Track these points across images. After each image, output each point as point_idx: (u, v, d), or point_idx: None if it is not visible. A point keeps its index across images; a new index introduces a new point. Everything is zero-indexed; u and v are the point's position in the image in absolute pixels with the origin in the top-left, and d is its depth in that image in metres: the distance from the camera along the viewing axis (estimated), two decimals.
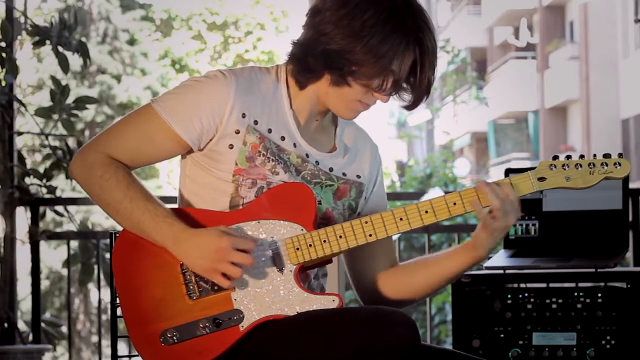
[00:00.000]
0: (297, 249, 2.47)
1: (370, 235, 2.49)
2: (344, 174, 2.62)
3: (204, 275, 2.45)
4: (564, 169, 2.48)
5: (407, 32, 2.45)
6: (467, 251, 2.57)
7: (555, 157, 2.49)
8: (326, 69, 2.49)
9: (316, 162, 2.58)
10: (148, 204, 2.47)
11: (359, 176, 2.64)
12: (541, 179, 2.48)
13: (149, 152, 2.53)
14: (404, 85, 2.52)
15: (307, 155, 2.57)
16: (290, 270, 2.47)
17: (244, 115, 2.51)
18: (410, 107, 2.56)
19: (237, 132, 2.51)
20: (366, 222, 2.49)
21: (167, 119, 2.50)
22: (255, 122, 2.53)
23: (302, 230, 2.48)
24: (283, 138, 2.55)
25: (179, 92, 2.53)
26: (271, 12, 25.59)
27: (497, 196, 2.46)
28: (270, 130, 2.54)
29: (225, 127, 2.51)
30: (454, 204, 2.49)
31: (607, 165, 2.46)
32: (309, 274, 2.56)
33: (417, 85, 2.50)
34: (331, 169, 2.60)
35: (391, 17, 2.45)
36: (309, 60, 2.50)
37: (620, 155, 2.48)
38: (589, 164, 2.47)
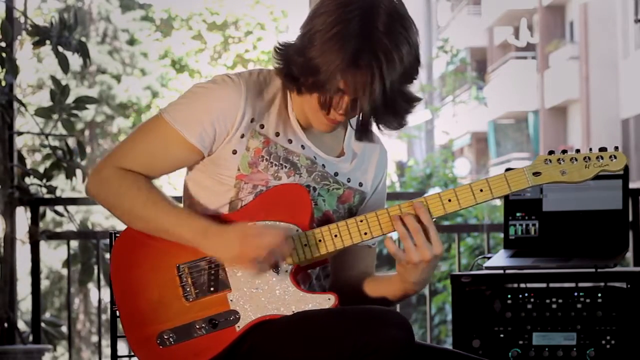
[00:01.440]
0: (293, 249, 2.47)
1: (366, 233, 2.48)
2: (348, 179, 2.61)
3: (236, 264, 2.44)
4: (559, 163, 2.45)
5: (345, 53, 2.37)
6: (397, 282, 2.55)
7: (551, 152, 2.47)
8: (285, 77, 2.48)
9: (322, 165, 2.58)
10: (170, 207, 2.47)
11: (361, 184, 2.64)
12: (536, 174, 2.45)
13: (163, 163, 2.52)
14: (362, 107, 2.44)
15: (314, 157, 2.56)
16: (286, 270, 2.47)
17: (252, 120, 2.51)
18: (383, 129, 2.52)
19: (242, 136, 2.51)
20: (361, 221, 2.48)
21: (180, 129, 2.48)
22: (262, 126, 2.52)
23: (297, 230, 2.47)
24: (290, 141, 2.54)
25: (188, 101, 2.51)
26: (271, 12, 25.60)
27: (404, 226, 2.44)
28: (277, 134, 2.53)
29: (235, 133, 2.50)
30: (449, 200, 2.47)
31: (602, 158, 2.44)
32: (310, 274, 2.56)
33: (374, 110, 2.43)
34: (336, 174, 2.59)
35: (335, 35, 2.39)
36: (278, 69, 2.50)
37: (616, 148, 2.46)
38: (585, 158, 2.44)
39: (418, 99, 2.48)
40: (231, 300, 2.46)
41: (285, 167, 2.53)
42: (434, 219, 2.46)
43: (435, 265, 2.51)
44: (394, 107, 2.44)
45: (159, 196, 2.48)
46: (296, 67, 2.44)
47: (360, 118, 2.56)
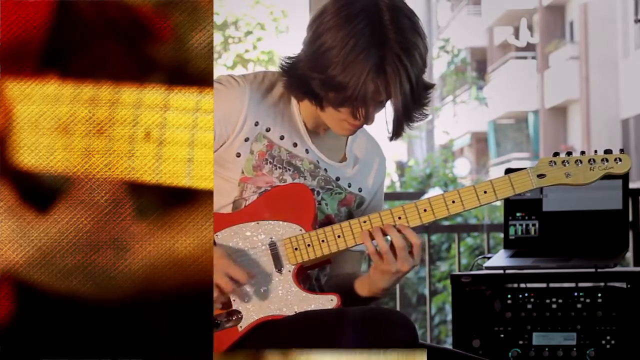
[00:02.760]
0: (296, 249, 2.47)
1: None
2: (349, 184, 2.62)
3: None
4: (564, 166, 2.44)
5: (369, 64, 2.38)
6: (366, 284, 2.55)
7: (556, 154, 2.47)
8: (304, 94, 2.48)
9: (325, 169, 2.58)
10: None
11: (360, 189, 2.64)
12: (540, 176, 2.45)
13: None
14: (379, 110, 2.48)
15: (318, 162, 2.57)
16: (289, 271, 2.47)
17: (257, 124, 2.51)
18: (390, 138, 2.53)
19: (247, 139, 2.51)
20: (364, 222, 2.48)
21: None
22: (268, 130, 2.52)
23: (300, 230, 2.47)
24: (295, 144, 2.54)
25: None
26: (271, 12, 25.61)
27: (387, 240, 2.44)
28: (282, 137, 2.53)
29: (237, 135, 2.50)
30: (453, 202, 2.47)
31: (607, 161, 2.43)
32: (310, 274, 2.56)
33: (394, 114, 2.46)
34: (338, 178, 2.60)
35: (353, 49, 2.38)
36: (288, 83, 2.49)
37: (621, 151, 2.46)
38: (589, 160, 2.44)
39: (433, 85, 2.51)
40: (234, 300, 2.46)
41: (289, 170, 2.53)
42: (434, 220, 2.47)
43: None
44: (420, 100, 2.46)
45: None
46: (315, 83, 2.43)
47: (394, 119, 2.53)
